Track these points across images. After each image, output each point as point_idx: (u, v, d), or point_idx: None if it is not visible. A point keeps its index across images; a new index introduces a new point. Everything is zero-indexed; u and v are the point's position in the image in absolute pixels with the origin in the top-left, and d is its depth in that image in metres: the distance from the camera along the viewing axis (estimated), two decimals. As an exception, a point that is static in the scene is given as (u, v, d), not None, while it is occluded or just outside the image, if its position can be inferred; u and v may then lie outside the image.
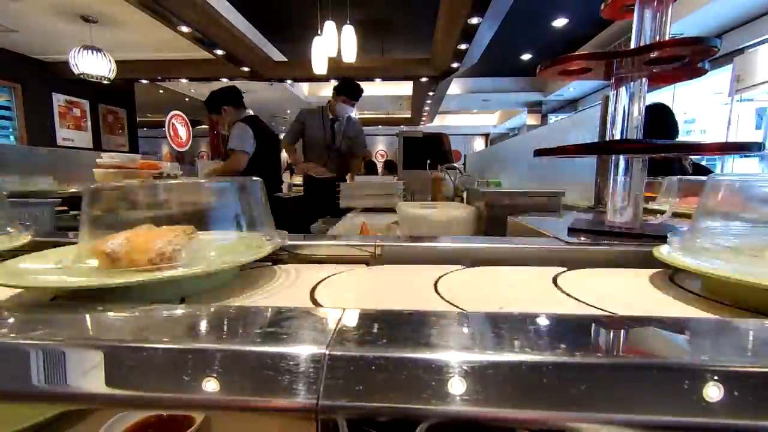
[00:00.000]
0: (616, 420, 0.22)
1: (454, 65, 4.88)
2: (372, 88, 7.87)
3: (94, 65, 4.05)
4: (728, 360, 0.24)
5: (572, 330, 0.30)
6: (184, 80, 5.95)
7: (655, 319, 0.33)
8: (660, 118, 1.87)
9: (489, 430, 0.23)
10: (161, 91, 7.70)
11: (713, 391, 0.23)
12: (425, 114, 8.98)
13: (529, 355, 0.25)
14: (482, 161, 3.53)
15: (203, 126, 9.64)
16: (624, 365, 0.25)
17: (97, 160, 2.12)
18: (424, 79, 5.83)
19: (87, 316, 0.33)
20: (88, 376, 0.26)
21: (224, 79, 5.69)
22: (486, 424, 0.23)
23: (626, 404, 0.23)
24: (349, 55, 3.74)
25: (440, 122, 11.64)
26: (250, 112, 2.68)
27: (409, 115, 9.79)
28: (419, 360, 0.25)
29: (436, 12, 4.31)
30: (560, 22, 5.50)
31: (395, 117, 10.52)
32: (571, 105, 8.52)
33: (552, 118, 8.72)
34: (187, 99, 8.43)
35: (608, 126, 0.72)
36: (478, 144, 13.25)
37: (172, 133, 3.87)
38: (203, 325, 0.31)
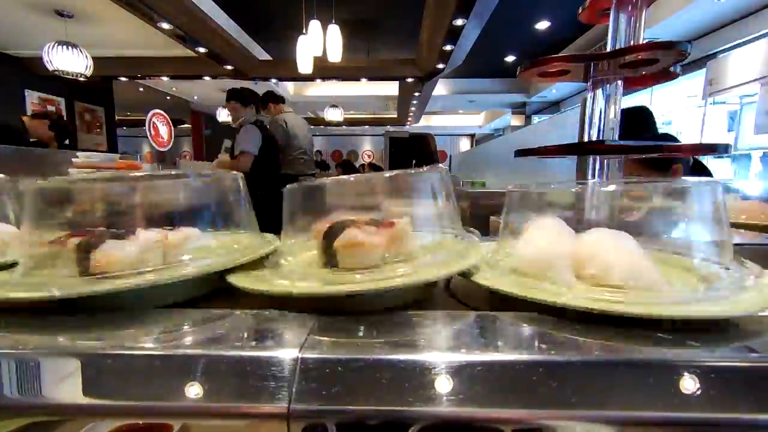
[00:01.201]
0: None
1: (440, 66, 4.92)
2: (358, 89, 7.85)
3: (70, 62, 3.92)
4: None
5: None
6: (165, 78, 5.82)
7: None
8: (643, 120, 1.92)
9: (463, 428, 0.23)
10: (141, 89, 7.50)
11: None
12: (411, 114, 9.01)
13: (501, 355, 0.25)
14: (467, 162, 3.57)
15: (186, 125, 9.44)
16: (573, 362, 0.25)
17: (73, 160, 2.06)
18: (410, 80, 5.85)
19: (52, 324, 0.32)
20: (50, 385, 0.25)
21: (207, 78, 5.58)
22: (461, 423, 0.23)
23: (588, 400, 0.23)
24: (335, 55, 3.73)
25: (426, 122, 11.70)
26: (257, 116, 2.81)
27: (396, 116, 9.81)
28: (394, 361, 0.25)
29: (421, 13, 4.34)
30: (543, 25, 5.60)
31: (381, 117, 10.52)
32: (554, 106, 8.68)
33: (535, 119, 8.88)
34: (168, 97, 8.24)
35: (586, 127, 0.74)
36: (464, 144, 13.37)
37: (152, 132, 3.78)
38: (174, 331, 0.30)
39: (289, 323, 0.30)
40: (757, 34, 3.93)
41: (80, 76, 4.06)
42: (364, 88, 7.87)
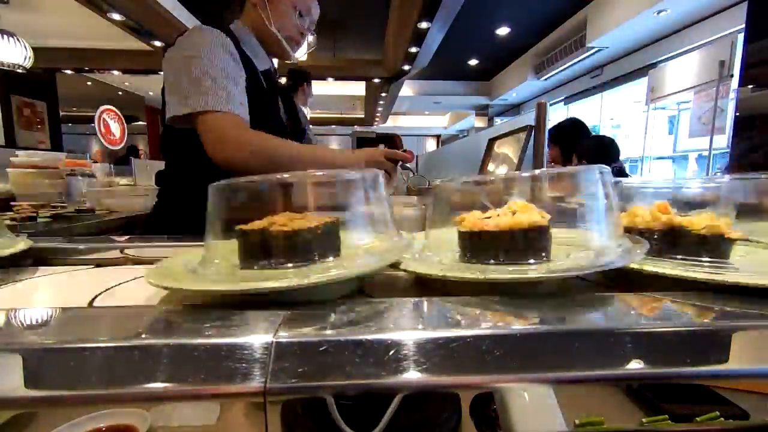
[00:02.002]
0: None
1: (406, 67, 4.99)
2: (325, 88, 7.78)
3: (6, 51, 3.58)
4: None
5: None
6: (116, 72, 5.47)
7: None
8: (578, 131, 2.17)
9: (431, 396, 0.26)
10: (90, 83, 7.01)
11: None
12: (378, 115, 9.06)
13: (453, 331, 0.28)
14: (433, 161, 3.65)
15: (141, 122, 8.91)
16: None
17: (12, 159, 1.89)
18: (376, 80, 5.88)
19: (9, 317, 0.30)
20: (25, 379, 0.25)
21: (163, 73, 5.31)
22: (428, 390, 0.26)
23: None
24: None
25: (394, 123, 11.80)
26: None
27: (363, 116, 9.82)
28: (360, 340, 0.27)
29: (387, 14, 4.38)
30: (503, 31, 5.82)
31: (349, 117, 10.49)
32: (514, 109, 9.05)
33: (497, 121, 9.22)
34: (120, 93, 7.75)
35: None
36: (431, 145, 13.62)
37: (103, 130, 3.53)
38: (147, 323, 0.30)
39: (264, 313, 0.32)
40: (691, 46, 4.31)
41: (18, 68, 3.72)
42: (330, 87, 7.81)
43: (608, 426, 0.26)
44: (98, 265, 0.63)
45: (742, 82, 2.27)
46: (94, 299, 0.43)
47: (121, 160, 5.05)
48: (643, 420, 0.26)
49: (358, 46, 6.30)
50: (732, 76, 3.40)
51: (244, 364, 0.26)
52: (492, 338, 0.28)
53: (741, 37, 2.19)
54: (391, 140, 3.04)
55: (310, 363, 0.26)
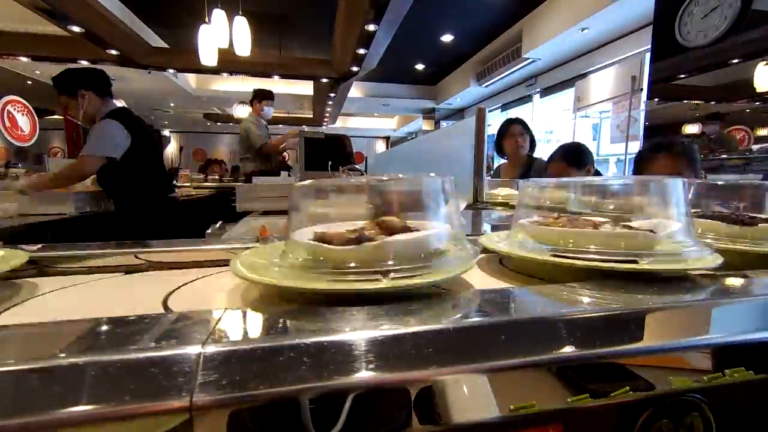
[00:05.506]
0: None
1: (354, 69, 4.98)
2: (270, 86, 7.49)
3: None
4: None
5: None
6: (24, 58, 4.81)
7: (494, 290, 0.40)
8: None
9: (366, 396, 0.26)
10: (-11, 70, 6.10)
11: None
12: (327, 115, 8.95)
13: (385, 330, 0.28)
14: (382, 163, 3.69)
15: (55, 117, 7.91)
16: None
17: None
18: (324, 80, 5.80)
19: None
20: None
21: (84, 62, 4.77)
22: (361, 390, 0.26)
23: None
24: (243, 49, 3.52)
25: (343, 124, 11.73)
26: (120, 103, 2.21)
27: (311, 116, 9.64)
28: (293, 345, 0.26)
29: (334, 12, 4.34)
30: (447, 38, 6.07)
31: (297, 116, 10.23)
32: (459, 113, 9.46)
33: (444, 124, 9.56)
34: (30, 82, 6.83)
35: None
36: (380, 146, 13.75)
37: (8, 124, 3.08)
38: (62, 341, 0.27)
39: (193, 322, 0.30)
40: (611, 61, 4.83)
41: None
42: (276, 86, 7.55)
43: (539, 408, 0.28)
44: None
45: (650, 96, 2.59)
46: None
47: (35, 158, 4.45)
48: (568, 400, 0.29)
49: (305, 44, 6.17)
50: (642, 89, 3.86)
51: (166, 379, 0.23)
52: (427, 333, 0.28)
53: (648, 56, 2.48)
54: (340, 141, 3.01)
55: (238, 373, 0.24)
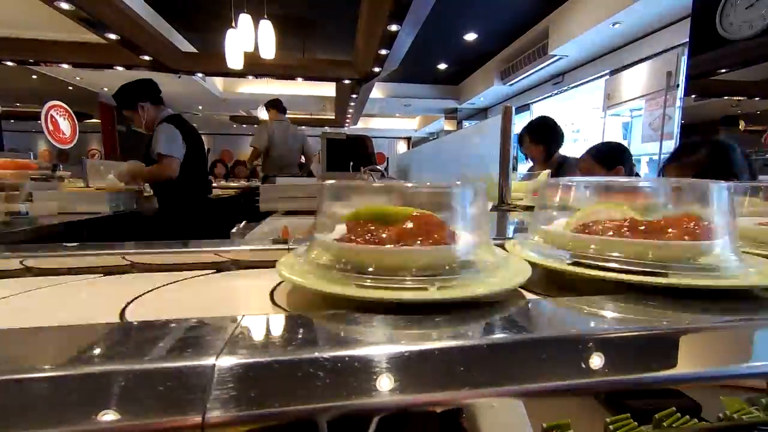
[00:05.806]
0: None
1: (376, 69, 4.99)
2: (294, 88, 7.64)
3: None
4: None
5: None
6: (65, 65, 5.10)
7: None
8: (552, 129, 2.24)
9: (388, 418, 0.24)
10: (35, 77, 6.49)
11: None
12: (349, 116, 9.01)
13: (411, 346, 0.27)
14: (403, 164, 3.67)
15: (94, 120, 8.35)
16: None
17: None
18: (346, 82, 5.84)
19: None
20: None
21: (119, 68, 5.01)
22: (384, 413, 0.24)
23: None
24: (268, 52, 3.59)
25: (364, 125, 11.78)
26: (170, 110, 2.29)
27: (333, 117, 9.73)
28: (315, 359, 0.25)
29: (356, 14, 4.36)
30: (471, 36, 5.98)
31: (319, 118, 10.36)
32: (482, 113, 9.30)
33: (466, 124, 9.43)
34: (71, 88, 7.23)
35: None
36: (401, 147, 13.72)
37: (51, 128, 3.27)
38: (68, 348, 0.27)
39: (207, 327, 0.29)
40: (642, 57, 4.61)
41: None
42: (300, 88, 7.68)
43: (574, 429, 0.26)
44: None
45: (687, 92, 2.45)
46: None
47: (75, 160, 4.71)
48: (607, 420, 0.27)
49: (327, 46, 6.23)
50: (678, 86, 3.67)
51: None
52: (459, 350, 0.26)
53: (685, 50, 2.36)
54: (362, 142, 3.02)
55: (254, 387, 0.22)
